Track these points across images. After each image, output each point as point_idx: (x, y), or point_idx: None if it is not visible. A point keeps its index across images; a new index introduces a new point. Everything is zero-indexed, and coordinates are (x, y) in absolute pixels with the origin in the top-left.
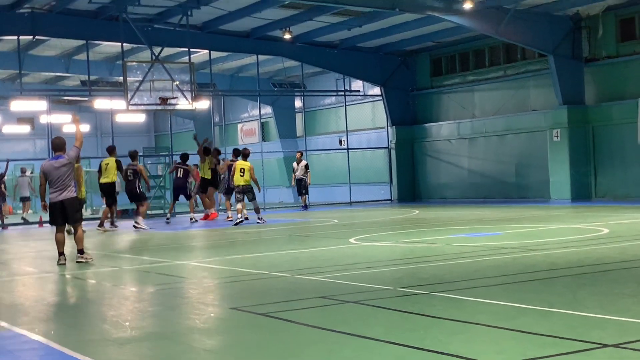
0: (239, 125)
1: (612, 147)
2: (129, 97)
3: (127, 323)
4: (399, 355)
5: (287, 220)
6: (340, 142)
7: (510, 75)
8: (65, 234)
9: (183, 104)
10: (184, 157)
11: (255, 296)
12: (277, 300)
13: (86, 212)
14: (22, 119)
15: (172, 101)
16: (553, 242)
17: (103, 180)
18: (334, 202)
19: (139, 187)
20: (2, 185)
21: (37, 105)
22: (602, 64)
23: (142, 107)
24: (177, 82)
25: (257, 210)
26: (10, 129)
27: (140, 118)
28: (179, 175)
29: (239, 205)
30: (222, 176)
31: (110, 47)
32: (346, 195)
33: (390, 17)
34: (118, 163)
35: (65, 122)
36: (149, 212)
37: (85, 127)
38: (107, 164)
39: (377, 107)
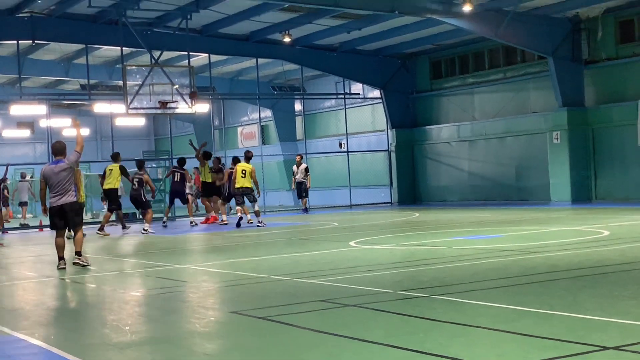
0: (239, 129)
1: (612, 149)
2: (129, 100)
3: (128, 327)
4: (399, 359)
5: (287, 224)
6: (340, 145)
7: (510, 78)
8: (65, 239)
9: (183, 107)
10: (181, 161)
11: (256, 300)
12: (277, 304)
13: (86, 217)
14: (21, 123)
15: (172, 105)
16: (553, 244)
17: (106, 185)
18: (334, 205)
19: (144, 196)
20: (5, 190)
21: (36, 109)
22: (602, 66)
23: (142, 111)
24: (177, 86)
25: (257, 214)
26: (10, 133)
27: (140, 122)
28: (175, 179)
29: (239, 209)
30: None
31: (110, 51)
32: (346, 198)
33: (390, 20)
34: (122, 169)
35: (65, 126)
36: None
37: (85, 131)
38: (111, 170)
39: (377, 110)
